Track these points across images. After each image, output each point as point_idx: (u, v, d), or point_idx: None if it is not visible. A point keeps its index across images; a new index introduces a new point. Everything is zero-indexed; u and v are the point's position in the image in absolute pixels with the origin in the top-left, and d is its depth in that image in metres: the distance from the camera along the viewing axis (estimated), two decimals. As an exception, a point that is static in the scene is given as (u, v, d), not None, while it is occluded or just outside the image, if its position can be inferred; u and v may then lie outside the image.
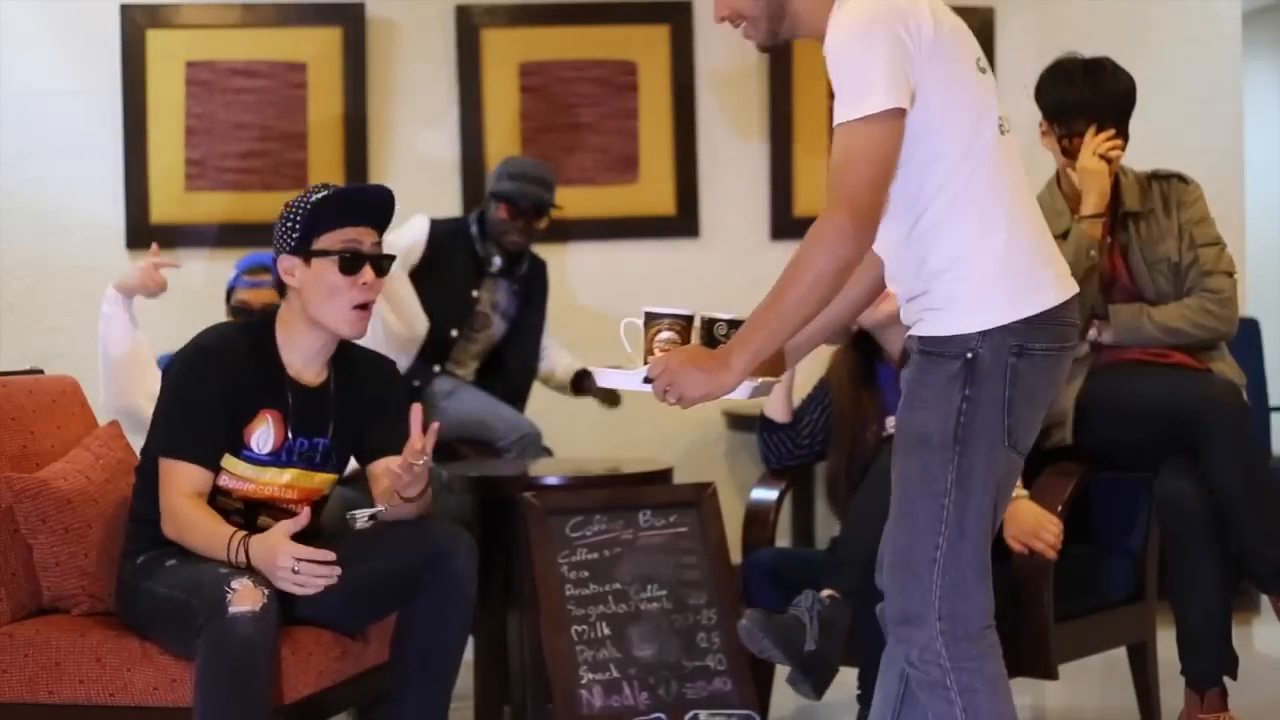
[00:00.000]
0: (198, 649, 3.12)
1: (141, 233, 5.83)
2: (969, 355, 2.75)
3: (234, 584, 3.12)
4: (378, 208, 3.43)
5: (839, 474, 4.19)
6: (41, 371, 3.89)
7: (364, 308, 3.38)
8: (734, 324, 2.87)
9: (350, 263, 3.35)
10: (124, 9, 5.81)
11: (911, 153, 2.75)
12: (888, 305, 3.90)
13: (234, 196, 5.83)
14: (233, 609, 3.09)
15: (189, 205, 5.85)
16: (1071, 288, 2.85)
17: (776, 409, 4.27)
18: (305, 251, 3.36)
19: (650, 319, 2.93)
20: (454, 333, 5.34)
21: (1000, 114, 2.83)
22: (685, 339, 2.91)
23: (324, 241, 3.35)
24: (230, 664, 3.09)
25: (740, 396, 2.84)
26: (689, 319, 2.93)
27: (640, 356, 2.94)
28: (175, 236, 5.86)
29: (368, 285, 3.37)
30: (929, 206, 2.77)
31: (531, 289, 5.50)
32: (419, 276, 5.32)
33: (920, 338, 2.82)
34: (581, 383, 5.50)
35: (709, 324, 2.93)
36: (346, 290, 3.35)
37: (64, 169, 5.83)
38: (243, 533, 3.25)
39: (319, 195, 3.37)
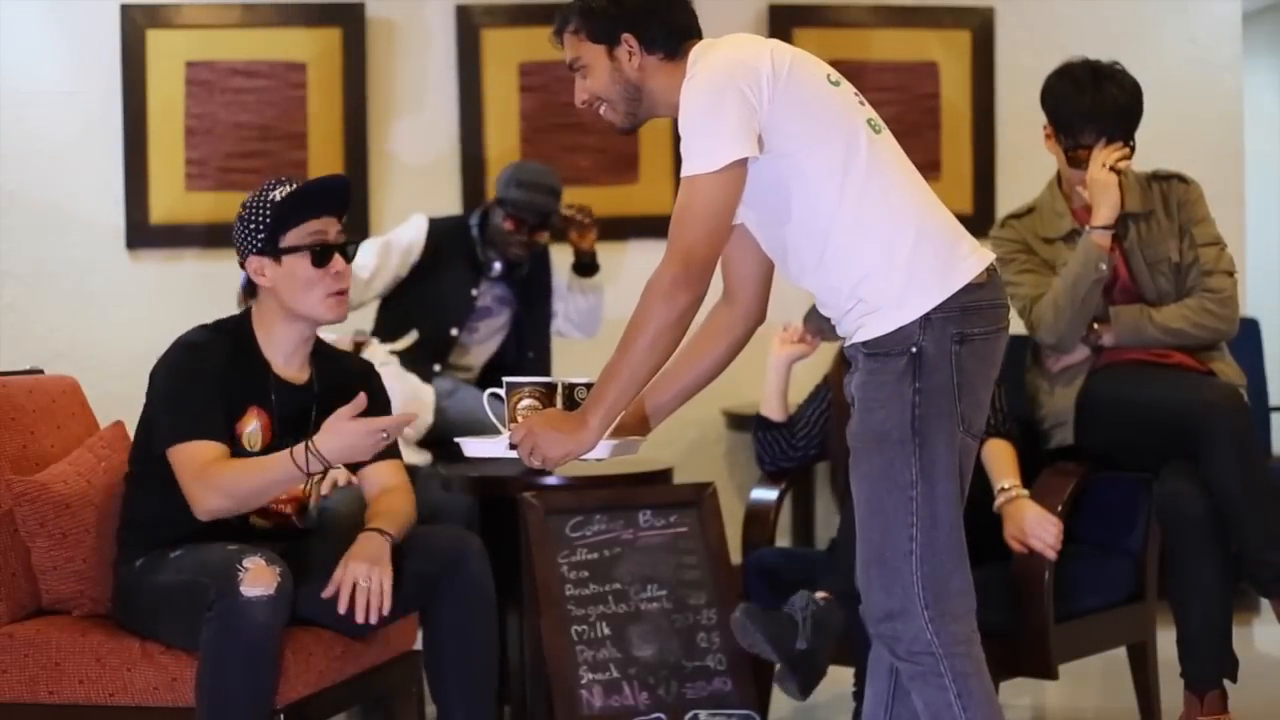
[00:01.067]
0: (207, 623, 3.12)
1: (141, 233, 5.84)
2: (914, 349, 2.83)
3: (245, 563, 3.13)
4: (337, 197, 3.46)
5: (839, 471, 4.20)
6: (41, 371, 3.88)
7: (340, 294, 3.41)
8: (592, 387, 2.93)
9: (321, 255, 3.38)
10: (124, 9, 5.81)
11: (791, 190, 2.85)
12: None
13: (234, 196, 5.77)
14: (246, 590, 3.10)
15: (189, 205, 5.85)
16: (987, 256, 2.93)
17: (772, 408, 4.27)
18: (274, 250, 3.38)
19: (511, 388, 3.01)
20: (454, 331, 5.32)
21: (867, 116, 2.93)
22: (548, 405, 2.99)
23: (291, 238, 3.38)
24: (244, 648, 3.10)
25: (602, 456, 2.94)
26: (550, 386, 3.02)
27: (504, 424, 3.01)
28: (175, 236, 5.86)
29: (340, 274, 3.40)
30: (831, 230, 2.86)
31: (533, 282, 5.46)
32: (418, 276, 5.30)
33: (864, 342, 2.88)
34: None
35: (569, 389, 3.02)
36: (320, 281, 3.38)
37: (64, 169, 5.83)
38: (300, 444, 3.22)
39: (279, 192, 3.39)
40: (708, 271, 2.83)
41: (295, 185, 3.41)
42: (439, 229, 5.36)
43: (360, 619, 3.28)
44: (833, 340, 4.21)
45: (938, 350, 2.83)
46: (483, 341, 5.42)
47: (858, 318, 2.88)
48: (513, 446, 2.91)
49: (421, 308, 5.26)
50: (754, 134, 2.80)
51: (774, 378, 4.27)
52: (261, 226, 3.38)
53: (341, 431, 3.19)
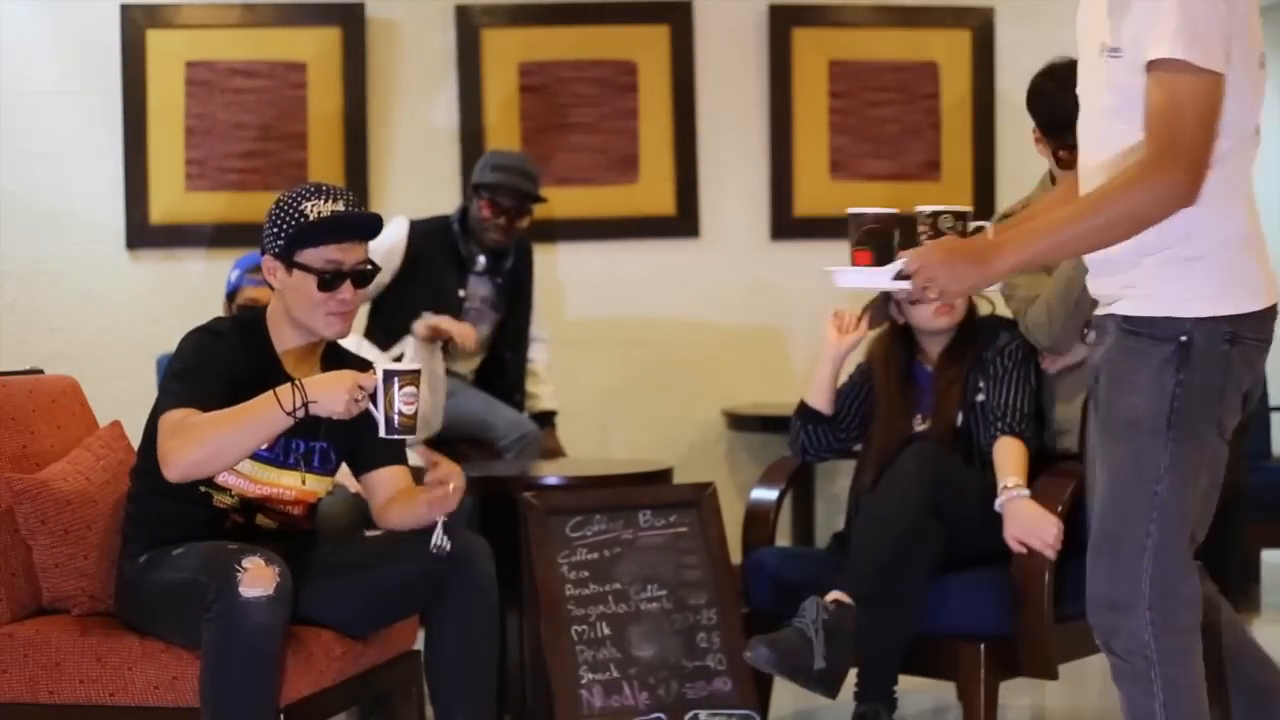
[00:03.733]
0: (207, 625, 3.11)
1: (141, 233, 5.84)
2: (1183, 339, 2.72)
3: (244, 563, 3.12)
4: (361, 229, 3.42)
5: (866, 464, 4.17)
6: (41, 371, 3.88)
7: (341, 314, 3.39)
8: (959, 215, 2.80)
9: (329, 281, 3.35)
10: (124, 9, 5.81)
11: None
12: (947, 318, 4.06)
13: (234, 196, 5.83)
14: (245, 591, 3.09)
15: (189, 205, 5.85)
16: (1276, 293, 2.81)
17: (822, 400, 4.19)
18: (288, 260, 3.36)
19: (853, 219, 2.89)
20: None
21: (1258, 116, 2.78)
22: (888, 240, 2.86)
23: (307, 256, 3.35)
24: (244, 650, 3.09)
25: (993, 292, 2.88)
26: (901, 216, 2.87)
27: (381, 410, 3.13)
28: (175, 236, 5.86)
29: (345, 300, 3.37)
30: None
31: (518, 279, 5.43)
32: (403, 280, 5.27)
33: (1125, 316, 2.77)
34: (542, 427, 5.40)
35: (934, 216, 2.88)
36: (322, 304, 3.36)
37: (64, 169, 5.83)
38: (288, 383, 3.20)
39: (310, 206, 3.34)
40: (1201, 183, 2.64)
41: (332, 202, 3.36)
42: (420, 230, 5.32)
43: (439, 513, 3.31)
44: (880, 326, 4.18)
45: (1209, 346, 2.71)
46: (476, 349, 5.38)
47: (1123, 286, 2.76)
48: (903, 277, 2.75)
49: (410, 312, 5.23)
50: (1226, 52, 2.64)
51: (827, 369, 4.16)
52: (284, 233, 3.35)
53: (329, 376, 3.21)
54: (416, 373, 3.14)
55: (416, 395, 3.12)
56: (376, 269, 3.46)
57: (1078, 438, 4.07)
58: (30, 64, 5.80)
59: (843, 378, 4.26)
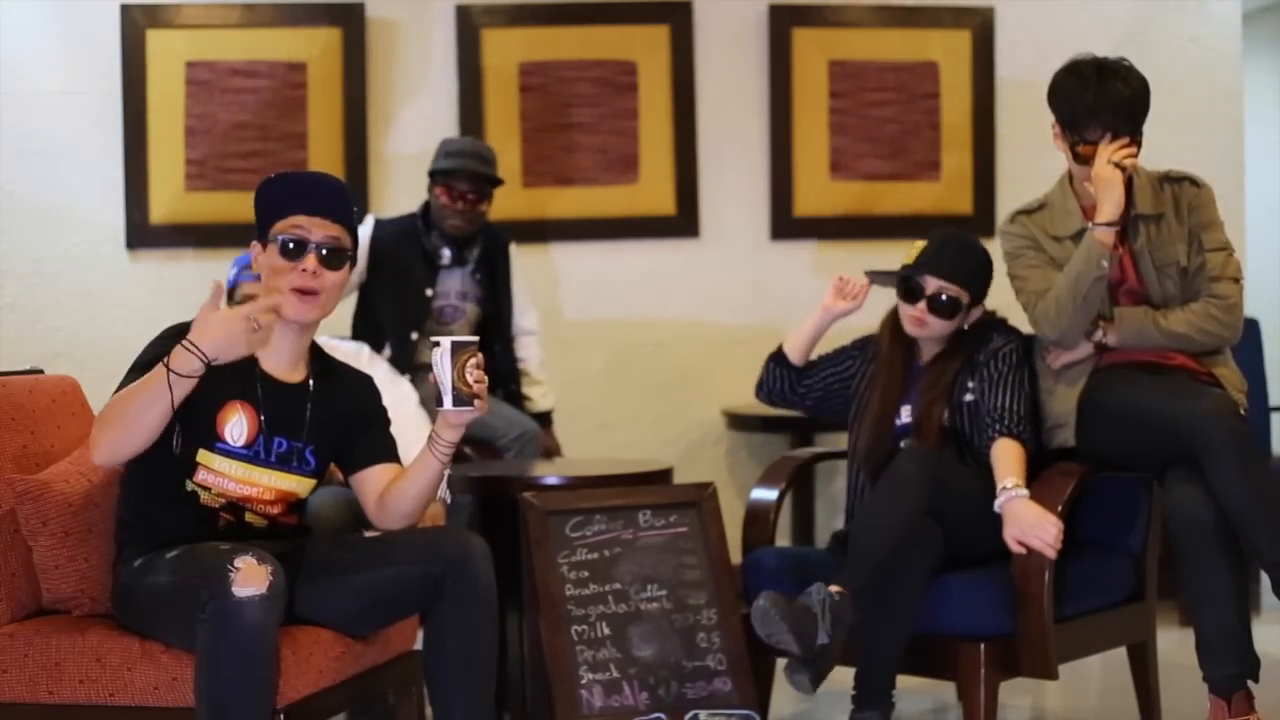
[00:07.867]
0: (201, 626, 3.11)
1: (141, 233, 5.85)
2: None
3: (236, 562, 3.12)
4: (326, 197, 3.42)
5: (855, 445, 4.21)
6: (41, 371, 3.89)
7: (306, 293, 3.36)
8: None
9: (291, 249, 3.35)
10: (124, 9, 5.82)
11: None
12: (919, 329, 4.15)
13: (234, 196, 5.83)
14: (238, 591, 3.08)
15: (189, 205, 5.85)
16: None
17: (795, 346, 4.28)
18: (264, 239, 3.39)
19: (459, 347, 3.20)
20: (414, 335, 5.25)
21: None
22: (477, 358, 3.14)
23: (276, 227, 3.38)
24: (238, 650, 3.08)
25: None
26: None
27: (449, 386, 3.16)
28: (175, 236, 5.87)
29: (307, 272, 3.35)
30: None
31: (495, 268, 5.42)
32: (375, 281, 5.25)
33: None
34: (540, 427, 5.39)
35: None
36: (285, 274, 3.35)
37: (64, 169, 5.83)
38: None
39: (264, 181, 3.42)
40: None
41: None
42: (385, 229, 5.31)
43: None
44: (889, 286, 4.21)
45: None
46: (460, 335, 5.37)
47: None
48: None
49: (383, 314, 5.21)
50: None
51: (813, 323, 4.28)
52: (258, 213, 3.40)
53: (211, 322, 3.13)
54: (478, 343, 3.23)
55: (480, 369, 3.20)
56: (350, 252, 3.43)
57: (1074, 432, 4.07)
58: (30, 64, 5.81)
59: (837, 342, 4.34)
